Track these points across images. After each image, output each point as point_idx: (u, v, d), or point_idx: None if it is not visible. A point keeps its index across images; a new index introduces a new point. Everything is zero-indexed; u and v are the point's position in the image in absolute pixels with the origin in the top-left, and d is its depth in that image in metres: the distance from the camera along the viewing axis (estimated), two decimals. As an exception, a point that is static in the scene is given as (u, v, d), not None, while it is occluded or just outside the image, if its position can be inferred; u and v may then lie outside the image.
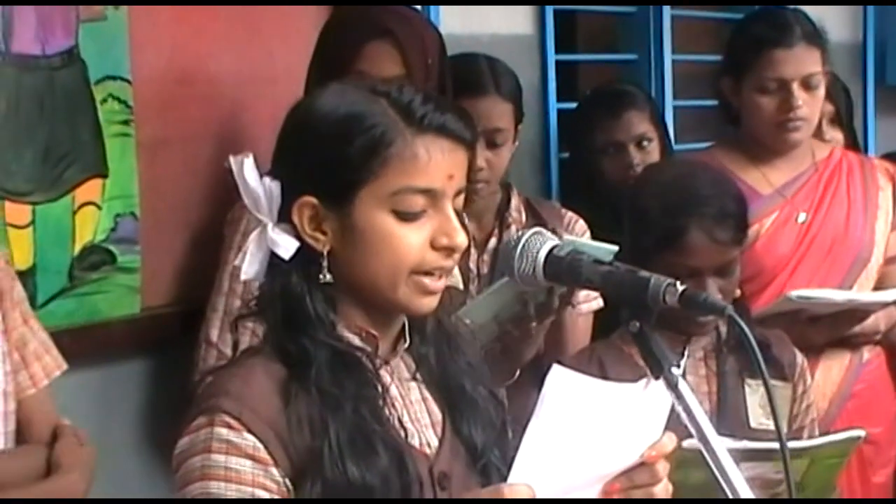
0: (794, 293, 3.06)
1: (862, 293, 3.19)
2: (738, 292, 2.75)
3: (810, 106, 3.26)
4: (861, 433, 2.67)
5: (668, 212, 2.67)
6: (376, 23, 2.85)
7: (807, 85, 3.24)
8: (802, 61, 3.23)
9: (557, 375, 1.64)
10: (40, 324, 2.43)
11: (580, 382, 1.67)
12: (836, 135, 4.03)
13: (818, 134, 3.89)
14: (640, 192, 2.83)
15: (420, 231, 1.74)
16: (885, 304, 3.17)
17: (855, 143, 4.10)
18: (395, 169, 1.73)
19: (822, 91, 3.29)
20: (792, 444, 2.63)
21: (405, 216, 1.74)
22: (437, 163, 1.74)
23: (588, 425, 1.65)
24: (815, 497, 2.69)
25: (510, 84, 3.16)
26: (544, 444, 1.61)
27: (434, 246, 1.75)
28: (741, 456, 2.37)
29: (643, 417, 1.71)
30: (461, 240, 1.76)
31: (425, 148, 1.73)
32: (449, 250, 1.76)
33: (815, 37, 3.28)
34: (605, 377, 1.81)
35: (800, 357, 2.87)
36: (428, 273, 1.76)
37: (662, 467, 1.73)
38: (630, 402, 1.70)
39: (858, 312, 3.18)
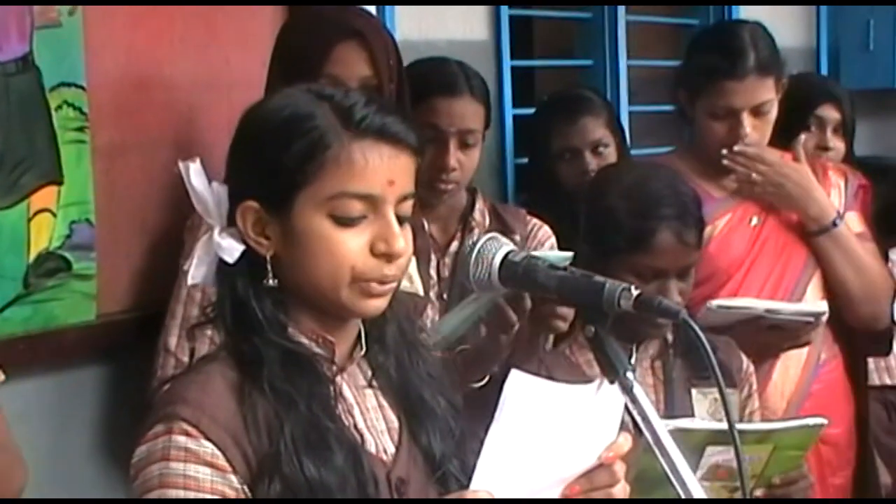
0: (715, 302, 3.06)
1: (783, 304, 3.19)
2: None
3: (760, 130, 3.26)
4: (824, 421, 2.65)
5: (637, 213, 2.67)
6: (344, 24, 2.84)
7: (757, 112, 3.24)
8: (753, 92, 3.22)
9: (516, 380, 1.65)
10: None
11: (538, 386, 1.68)
12: (839, 144, 4.03)
13: (822, 142, 3.91)
14: (601, 194, 2.82)
15: (359, 237, 1.74)
16: (806, 316, 3.18)
17: (851, 153, 4.10)
18: (330, 173, 1.72)
19: (773, 113, 3.27)
20: (757, 427, 2.64)
21: (342, 221, 1.73)
22: (374, 168, 1.73)
23: (547, 428, 1.66)
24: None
25: (482, 87, 3.18)
26: (505, 449, 1.62)
27: (373, 252, 1.74)
28: (707, 439, 2.38)
29: (599, 418, 1.72)
30: (400, 246, 1.75)
31: (362, 152, 1.72)
32: (387, 256, 1.75)
33: (770, 65, 3.25)
34: None
35: (746, 362, 2.85)
36: (369, 281, 1.75)
37: (620, 468, 1.74)
38: (586, 403, 1.71)
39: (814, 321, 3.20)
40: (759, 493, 2.61)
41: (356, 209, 1.73)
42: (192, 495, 1.67)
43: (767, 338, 3.15)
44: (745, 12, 4.59)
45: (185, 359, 2.69)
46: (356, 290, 1.75)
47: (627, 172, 2.98)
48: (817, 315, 3.18)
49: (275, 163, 1.73)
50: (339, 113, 1.74)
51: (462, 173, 3.07)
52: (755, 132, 3.24)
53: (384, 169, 1.73)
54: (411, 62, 3.14)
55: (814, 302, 3.27)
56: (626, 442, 1.73)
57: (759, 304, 3.14)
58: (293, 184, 1.73)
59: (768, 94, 3.24)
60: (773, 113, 3.28)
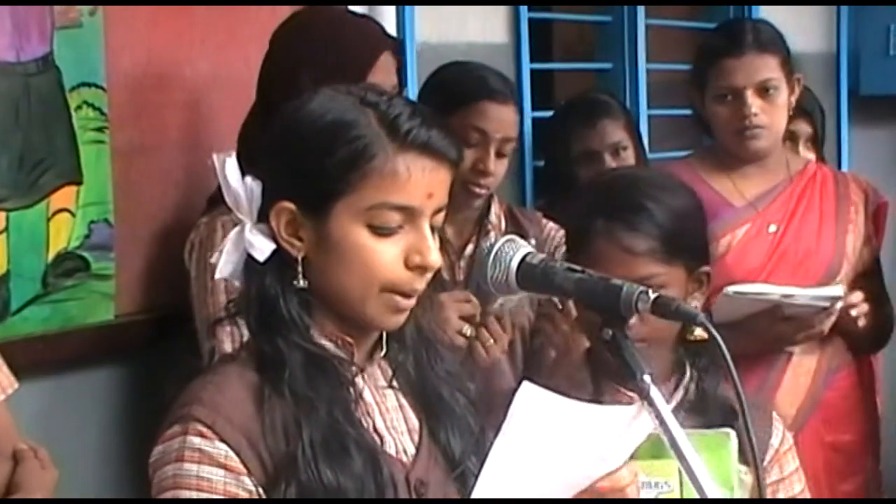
0: (731, 289, 3.07)
1: (798, 289, 3.17)
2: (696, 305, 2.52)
3: (769, 113, 3.25)
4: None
5: (577, 214, 2.29)
6: (384, 33, 2.88)
7: (762, 91, 3.24)
8: (754, 68, 3.23)
9: (526, 392, 1.64)
10: None
11: (549, 400, 1.67)
12: (810, 157, 4.02)
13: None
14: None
15: (394, 247, 1.74)
16: (821, 300, 3.17)
17: (822, 161, 4.09)
18: (373, 184, 1.72)
19: (782, 98, 3.27)
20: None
21: (380, 231, 1.73)
22: (416, 180, 1.73)
23: (554, 444, 1.65)
24: None
25: (519, 100, 3.22)
26: (510, 461, 1.61)
27: (407, 264, 1.75)
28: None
29: (611, 441, 1.71)
30: (434, 259, 1.75)
31: (406, 165, 1.72)
32: (421, 269, 1.75)
33: (770, 44, 3.27)
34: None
35: (781, 434, 2.33)
36: (400, 292, 1.75)
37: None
38: (599, 423, 1.70)
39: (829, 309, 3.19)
40: None
41: (394, 220, 1.73)
42: (204, 496, 1.68)
43: (781, 328, 3.15)
44: (764, 14, 4.58)
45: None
46: (382, 303, 1.75)
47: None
48: (833, 299, 3.17)
49: (316, 167, 1.73)
50: (385, 123, 1.73)
51: (495, 180, 3.10)
52: (763, 115, 3.23)
53: (425, 182, 1.74)
54: (453, 62, 3.20)
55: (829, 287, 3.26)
56: (628, 475, 1.74)
57: (775, 290, 3.15)
58: (334, 190, 1.73)
59: (771, 72, 3.25)
60: (782, 97, 3.27)
